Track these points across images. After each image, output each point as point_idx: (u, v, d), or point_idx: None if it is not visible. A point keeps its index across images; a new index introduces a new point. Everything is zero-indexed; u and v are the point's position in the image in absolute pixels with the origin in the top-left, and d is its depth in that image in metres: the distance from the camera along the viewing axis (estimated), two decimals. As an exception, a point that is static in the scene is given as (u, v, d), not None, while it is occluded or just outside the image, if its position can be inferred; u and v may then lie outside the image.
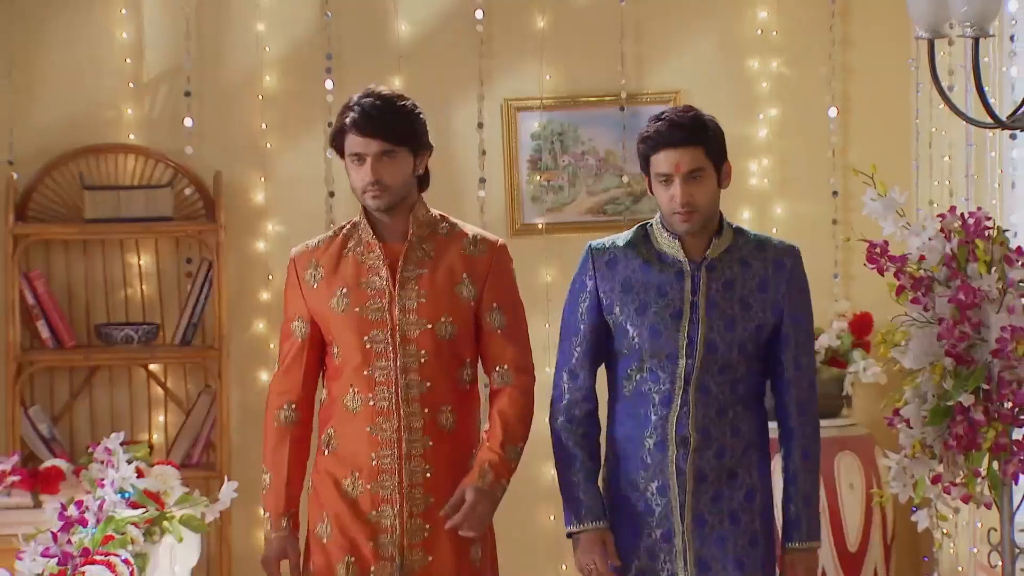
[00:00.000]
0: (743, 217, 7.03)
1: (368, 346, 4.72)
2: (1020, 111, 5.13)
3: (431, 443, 4.73)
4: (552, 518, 7.04)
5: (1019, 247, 5.22)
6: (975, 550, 6.06)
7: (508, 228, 7.07)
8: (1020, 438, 5.18)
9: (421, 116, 4.82)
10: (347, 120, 4.71)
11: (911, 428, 5.22)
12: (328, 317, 4.76)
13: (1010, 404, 5.14)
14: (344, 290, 4.74)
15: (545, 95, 7.06)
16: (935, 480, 5.26)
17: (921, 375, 5.24)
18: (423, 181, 4.88)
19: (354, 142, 4.70)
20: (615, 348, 4.77)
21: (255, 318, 7.09)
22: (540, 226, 7.11)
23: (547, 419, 4.82)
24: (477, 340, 4.84)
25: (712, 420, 4.69)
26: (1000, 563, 5.37)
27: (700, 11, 7.04)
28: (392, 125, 4.71)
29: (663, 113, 4.69)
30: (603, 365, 4.86)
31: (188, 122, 6.96)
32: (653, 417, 4.71)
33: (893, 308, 5.30)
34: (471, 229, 4.86)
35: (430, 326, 4.73)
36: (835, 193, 7.03)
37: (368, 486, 4.72)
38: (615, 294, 4.73)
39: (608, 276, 4.75)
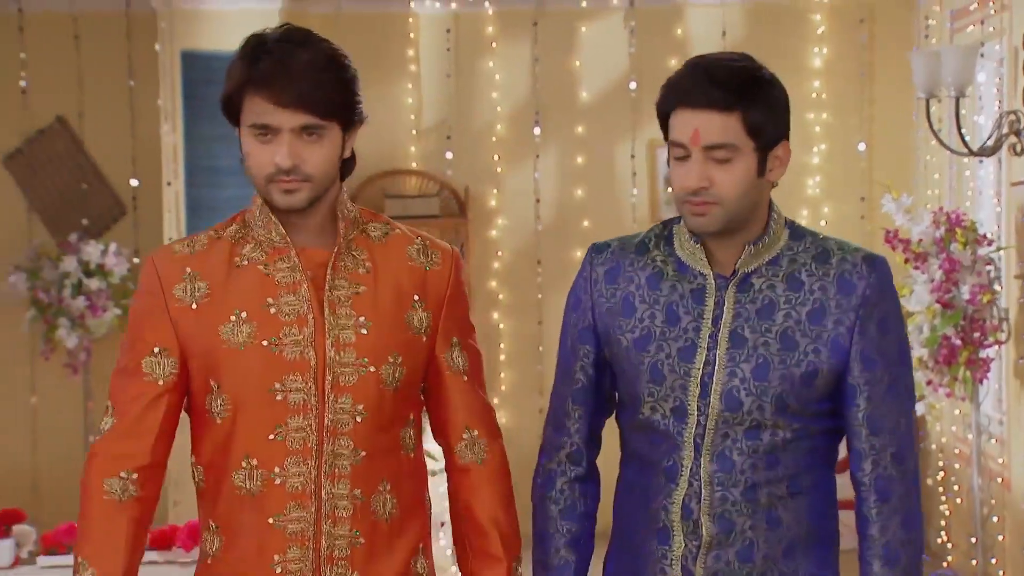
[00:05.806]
0: (800, 214, 6.83)
1: (279, 397, 2.13)
2: (984, 144, 5.10)
3: (362, 540, 2.16)
4: None
5: (984, 234, 5.21)
6: (954, 429, 6.04)
7: (650, 222, 7.02)
8: (984, 356, 5.18)
9: (356, 75, 2.16)
10: (252, 71, 2.08)
11: (913, 349, 5.24)
12: (217, 353, 2.15)
13: (978, 334, 5.14)
14: (243, 314, 2.15)
15: (675, 136, 7.07)
16: (928, 383, 5.28)
17: (920, 315, 5.26)
18: (347, 166, 2.27)
19: (260, 109, 2.08)
20: (618, 392, 2.28)
21: (487, 280, 7.12)
22: (671, 220, 7.12)
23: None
24: (427, 389, 2.27)
25: (736, 505, 2.15)
26: (971, 436, 5.37)
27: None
28: (323, 89, 2.09)
29: (703, 56, 2.14)
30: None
31: (448, 155, 7.03)
32: (655, 496, 2.18)
33: (902, 272, 5.30)
34: (412, 231, 2.30)
35: (373, 368, 2.15)
36: (863, 199, 6.98)
37: None
38: (612, 318, 2.21)
39: (605, 292, 2.22)
